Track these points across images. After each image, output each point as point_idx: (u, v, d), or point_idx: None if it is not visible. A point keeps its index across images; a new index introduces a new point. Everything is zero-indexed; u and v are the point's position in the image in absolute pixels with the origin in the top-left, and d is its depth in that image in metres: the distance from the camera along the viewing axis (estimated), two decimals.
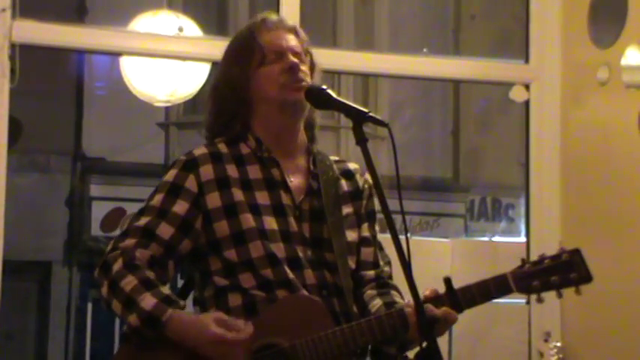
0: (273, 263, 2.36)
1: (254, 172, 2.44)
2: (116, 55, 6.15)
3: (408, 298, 2.19)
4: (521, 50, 4.38)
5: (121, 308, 2.30)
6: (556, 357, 3.96)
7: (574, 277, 2.31)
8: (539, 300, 2.32)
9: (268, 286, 2.35)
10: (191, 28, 6.69)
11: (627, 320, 3.80)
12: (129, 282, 2.30)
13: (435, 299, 2.28)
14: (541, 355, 4.06)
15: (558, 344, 3.99)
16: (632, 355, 3.76)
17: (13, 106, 3.65)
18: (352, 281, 2.45)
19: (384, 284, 2.50)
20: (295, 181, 2.46)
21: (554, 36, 4.25)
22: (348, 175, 2.55)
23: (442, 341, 2.25)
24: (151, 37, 4.79)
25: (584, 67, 4.10)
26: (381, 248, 2.55)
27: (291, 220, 2.41)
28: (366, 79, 12.56)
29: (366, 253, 2.52)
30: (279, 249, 2.37)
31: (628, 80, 3.83)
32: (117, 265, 2.33)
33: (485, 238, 10.99)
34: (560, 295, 2.32)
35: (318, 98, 2.39)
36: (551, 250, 3.90)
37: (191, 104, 10.90)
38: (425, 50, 11.53)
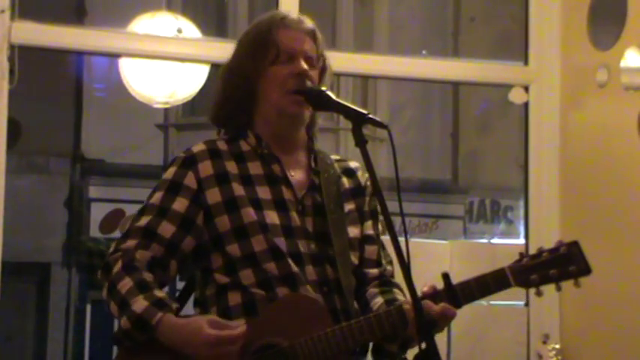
0: (277, 257, 2.36)
1: (255, 168, 2.44)
2: (115, 56, 6.14)
3: (408, 298, 2.19)
4: (521, 52, 4.38)
5: (117, 310, 2.30)
6: (555, 359, 3.96)
7: (573, 270, 2.30)
8: (539, 293, 2.31)
9: (268, 283, 2.35)
10: (190, 29, 6.68)
11: (626, 322, 3.80)
12: (125, 284, 2.30)
13: (434, 295, 2.28)
14: (540, 357, 4.06)
15: (557, 346, 3.99)
16: (631, 356, 3.76)
17: (12, 108, 3.65)
18: (354, 278, 2.45)
19: (386, 282, 2.50)
20: (296, 176, 2.46)
21: (553, 38, 4.25)
22: (350, 172, 2.56)
23: (441, 342, 2.26)
24: (150, 38, 4.79)
25: (583, 69, 4.10)
26: (384, 247, 2.55)
27: (294, 215, 2.41)
28: (365, 80, 12.58)
29: (370, 251, 2.52)
30: (280, 243, 2.37)
31: (627, 82, 3.83)
32: (116, 267, 2.34)
33: (484, 240, 11.01)
34: (559, 289, 2.31)
35: (318, 100, 2.39)
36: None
37: (190, 106, 10.91)
38: (424, 52, 11.57)
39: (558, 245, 2.32)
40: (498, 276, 2.31)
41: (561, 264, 2.30)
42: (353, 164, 2.58)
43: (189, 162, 2.43)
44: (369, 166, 2.23)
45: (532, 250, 4.22)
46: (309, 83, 2.42)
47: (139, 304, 2.26)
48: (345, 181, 2.53)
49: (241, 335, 2.23)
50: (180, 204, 2.39)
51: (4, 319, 11.32)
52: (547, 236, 4.16)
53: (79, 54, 9.57)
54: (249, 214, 2.37)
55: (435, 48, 12.79)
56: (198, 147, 2.46)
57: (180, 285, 2.60)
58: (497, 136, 12.92)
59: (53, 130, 12.18)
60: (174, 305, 2.31)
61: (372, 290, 2.47)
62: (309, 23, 2.53)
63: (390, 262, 2.55)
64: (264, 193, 2.41)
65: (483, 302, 3.67)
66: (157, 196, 2.42)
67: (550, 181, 4.22)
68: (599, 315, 3.89)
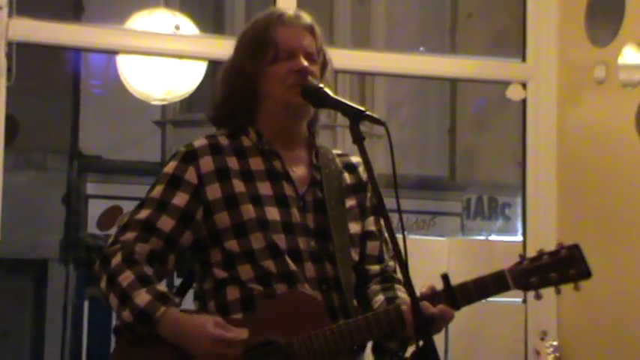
0: (275, 254, 2.35)
1: (256, 163, 2.44)
2: (113, 53, 6.14)
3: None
4: (518, 49, 4.38)
5: (117, 303, 2.30)
6: (552, 356, 3.96)
7: (573, 273, 2.29)
8: (538, 297, 2.30)
9: (267, 279, 2.35)
10: (188, 26, 6.68)
11: (624, 319, 3.81)
12: (126, 277, 2.30)
13: (432, 296, 2.27)
14: (537, 353, 4.06)
15: (555, 343, 3.99)
16: (629, 353, 3.77)
17: (9, 104, 3.65)
18: (355, 275, 2.45)
19: (388, 278, 2.50)
20: (297, 172, 2.46)
21: (551, 34, 4.25)
22: (351, 168, 2.55)
23: (439, 339, 2.25)
24: (148, 35, 4.78)
25: (581, 66, 4.10)
26: (387, 242, 2.54)
27: (294, 211, 2.41)
28: (362, 77, 12.58)
29: (372, 247, 2.51)
30: (280, 240, 2.37)
31: (625, 79, 3.83)
32: (116, 260, 2.33)
33: (482, 237, 11.01)
34: (558, 292, 2.30)
35: (315, 97, 2.39)
36: (548, 249, 3.90)
37: (187, 102, 10.90)
38: (421, 49, 11.57)
39: (559, 248, 2.31)
40: (498, 278, 2.29)
41: (561, 267, 2.29)
42: (354, 159, 2.57)
43: (191, 157, 2.43)
44: (366, 162, 2.23)
45: (529, 247, 4.25)
46: (310, 79, 2.42)
47: (142, 297, 2.26)
48: (346, 176, 2.52)
49: (244, 342, 2.23)
50: (180, 199, 2.39)
51: (1, 315, 11.32)
52: (545, 233, 4.17)
53: (77, 51, 9.56)
54: (249, 211, 2.37)
55: (433, 45, 12.80)
56: (200, 142, 2.46)
57: (177, 281, 2.61)
58: (494, 133, 12.93)
59: (51, 127, 12.17)
60: (177, 299, 2.31)
61: (374, 287, 2.47)
62: (306, 18, 2.53)
63: (393, 258, 2.55)
64: (265, 189, 2.41)
65: None
66: (157, 190, 2.41)
67: (548, 177, 4.22)
68: (596, 311, 3.89)
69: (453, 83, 12.81)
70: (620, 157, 3.87)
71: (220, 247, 2.38)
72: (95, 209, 12.47)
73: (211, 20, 12.74)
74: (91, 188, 12.68)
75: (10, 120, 3.71)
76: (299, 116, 2.47)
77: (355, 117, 2.24)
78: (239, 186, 2.40)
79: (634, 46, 3.79)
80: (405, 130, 12.97)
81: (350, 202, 2.49)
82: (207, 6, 13.16)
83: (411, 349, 2.27)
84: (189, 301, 2.47)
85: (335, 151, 2.57)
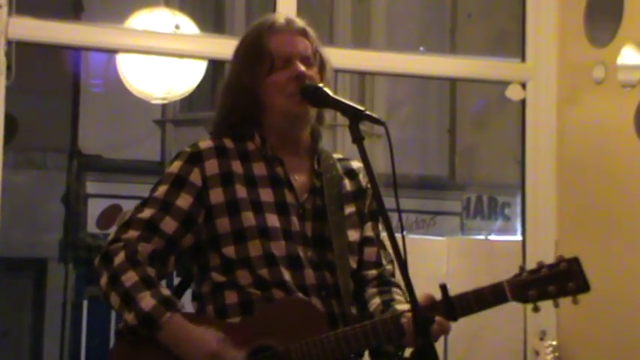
0: (270, 263, 2.36)
1: (259, 169, 2.44)
2: (113, 52, 6.13)
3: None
4: (518, 49, 4.39)
5: (119, 303, 2.30)
6: (552, 355, 3.96)
7: (572, 287, 2.28)
8: (536, 309, 2.30)
9: (264, 284, 2.35)
10: (188, 25, 6.69)
11: (622, 319, 3.81)
12: (130, 277, 2.30)
13: (430, 307, 2.26)
14: (537, 353, 4.06)
15: (554, 343, 4.00)
16: (628, 353, 3.77)
17: (9, 103, 3.65)
18: (353, 282, 2.45)
19: (385, 282, 2.51)
20: (299, 179, 2.47)
21: (550, 35, 4.25)
22: (352, 174, 2.56)
23: (438, 340, 2.25)
24: (148, 34, 4.78)
25: (580, 66, 4.11)
26: (384, 247, 2.55)
27: (294, 219, 2.42)
28: (362, 77, 12.57)
29: (369, 252, 2.52)
30: (279, 247, 2.37)
31: (624, 79, 3.83)
32: (118, 259, 2.33)
33: (482, 237, 10.98)
34: (556, 305, 2.31)
35: (315, 96, 2.39)
36: (547, 248, 3.92)
37: (188, 101, 10.90)
38: (421, 49, 11.56)
39: (558, 261, 2.30)
40: (496, 290, 2.30)
41: (560, 280, 2.29)
42: (355, 164, 2.58)
43: (196, 158, 2.43)
44: (366, 162, 2.23)
45: (529, 246, 4.25)
46: (308, 83, 2.42)
47: (147, 301, 2.27)
48: (346, 182, 2.53)
49: None
50: (184, 200, 2.39)
51: (0, 314, 11.31)
52: (544, 233, 4.17)
53: (77, 50, 9.54)
54: (249, 218, 2.38)
55: (433, 45, 12.79)
56: (206, 143, 2.46)
57: (176, 280, 2.61)
58: (494, 133, 12.92)
59: (50, 126, 12.16)
60: (180, 304, 2.32)
61: (371, 291, 2.48)
62: (298, 23, 2.53)
63: (391, 262, 2.55)
64: (266, 195, 2.42)
65: None
66: (162, 190, 2.42)
67: (547, 177, 4.22)
68: (595, 311, 3.89)
69: (453, 83, 12.81)
70: (619, 157, 3.87)
71: (218, 252, 2.39)
72: (95, 208, 12.45)
73: (211, 19, 12.73)
74: (90, 187, 12.66)
75: (9, 119, 3.72)
76: (300, 124, 2.47)
77: (355, 117, 2.25)
78: (241, 191, 2.40)
79: (633, 47, 3.79)
80: (404, 130, 12.96)
81: (349, 209, 2.50)
82: (207, 5, 13.15)
83: (409, 350, 2.27)
84: (186, 300, 2.48)
85: (336, 156, 2.57)
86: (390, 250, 2.19)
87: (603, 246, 3.91)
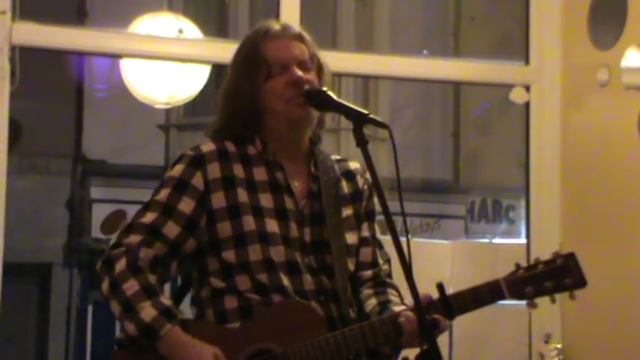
0: (269, 268, 2.36)
1: (259, 173, 2.44)
2: (116, 57, 6.15)
3: (409, 299, 2.19)
4: (521, 52, 4.38)
5: (120, 311, 2.31)
6: (557, 358, 3.96)
7: (568, 282, 2.29)
8: (533, 305, 2.30)
9: (264, 289, 2.36)
10: (191, 30, 6.68)
11: (627, 321, 3.80)
12: (130, 286, 2.30)
13: (428, 306, 2.26)
14: (542, 356, 4.06)
15: (559, 346, 3.99)
16: (632, 356, 3.76)
17: (13, 109, 3.65)
18: (350, 284, 2.45)
19: (381, 283, 2.50)
20: (298, 185, 2.47)
21: (554, 37, 4.25)
22: (349, 176, 2.55)
23: (443, 343, 2.25)
24: (151, 39, 4.79)
25: (584, 69, 4.10)
26: (381, 246, 2.55)
27: (292, 225, 2.42)
28: (366, 80, 12.57)
29: (365, 253, 2.52)
30: (279, 252, 2.38)
31: (628, 82, 3.83)
32: (120, 265, 2.33)
33: (486, 240, 10.99)
34: (553, 301, 2.31)
35: (319, 100, 2.39)
36: (552, 251, 3.90)
37: (191, 106, 10.88)
38: (425, 52, 11.56)
39: (555, 257, 2.31)
40: (493, 288, 2.30)
41: (557, 276, 2.29)
42: (353, 165, 2.58)
43: (198, 162, 2.43)
44: (370, 166, 2.23)
45: (533, 249, 4.25)
46: (307, 87, 2.42)
47: (147, 311, 2.27)
48: (344, 184, 2.53)
49: None
50: (186, 204, 2.39)
51: (5, 319, 11.26)
52: (548, 235, 4.17)
53: (80, 55, 9.55)
54: (250, 222, 2.38)
55: (436, 48, 12.79)
56: (208, 147, 2.46)
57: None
58: (498, 136, 12.92)
59: (54, 131, 12.17)
60: (180, 315, 2.31)
61: (367, 291, 2.48)
62: (293, 28, 2.54)
63: (388, 261, 2.55)
64: (266, 201, 2.41)
65: None
66: (164, 193, 2.41)
67: (551, 180, 4.22)
68: (600, 314, 3.89)
69: (457, 86, 12.80)
70: (623, 160, 3.87)
71: (218, 257, 2.39)
72: (99, 213, 12.46)
73: (215, 24, 12.74)
74: (94, 192, 12.67)
75: (13, 124, 3.72)
76: (302, 128, 2.47)
77: (359, 120, 2.24)
78: (242, 196, 2.40)
79: (637, 49, 3.79)
80: (408, 133, 12.96)
81: (347, 212, 2.50)
82: (210, 9, 13.16)
83: (414, 352, 2.27)
84: (186, 306, 2.48)
85: (334, 157, 2.57)
86: (391, 252, 2.18)
87: (607, 248, 3.90)
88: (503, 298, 2.30)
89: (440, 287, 2.20)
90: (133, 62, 6.46)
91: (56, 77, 11.31)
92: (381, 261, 2.54)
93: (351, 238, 2.48)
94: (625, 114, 3.82)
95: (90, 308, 11.91)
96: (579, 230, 4.10)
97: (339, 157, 2.58)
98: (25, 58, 3.69)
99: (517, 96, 4.32)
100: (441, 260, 4.92)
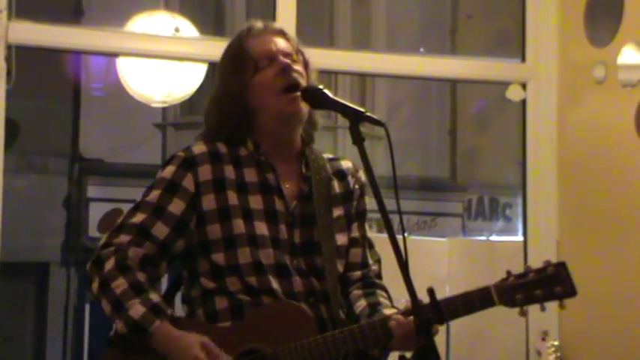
0: (258, 271, 2.37)
1: (250, 175, 2.44)
2: (113, 55, 6.14)
3: (406, 297, 2.19)
4: (518, 49, 4.38)
5: (110, 309, 2.32)
6: (554, 355, 3.96)
7: (558, 291, 2.29)
8: (522, 313, 2.31)
9: (254, 291, 2.36)
10: (188, 28, 6.68)
11: (624, 319, 3.81)
12: (119, 284, 2.31)
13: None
14: (539, 353, 4.06)
15: (556, 343, 4.00)
16: (630, 353, 3.77)
17: (9, 108, 3.65)
18: (340, 285, 2.46)
19: (370, 284, 2.51)
20: (290, 187, 2.46)
21: (550, 35, 4.25)
22: (341, 175, 2.55)
23: (440, 340, 2.26)
24: (148, 37, 4.79)
25: (580, 66, 4.11)
26: (371, 246, 2.56)
27: (282, 227, 2.42)
28: (363, 78, 12.57)
29: (354, 254, 2.52)
30: (268, 255, 2.38)
31: (624, 79, 3.83)
32: (109, 264, 2.34)
33: (483, 238, 10.99)
34: (543, 309, 2.32)
35: (315, 98, 2.39)
36: (549, 249, 3.92)
37: (188, 105, 10.90)
38: (422, 50, 11.56)
39: (545, 265, 2.31)
40: (484, 294, 2.30)
41: (547, 285, 2.29)
42: (345, 165, 2.57)
43: (189, 163, 2.42)
44: (366, 164, 2.22)
45: (530, 247, 4.25)
46: (295, 75, 2.42)
47: (136, 309, 2.27)
48: (335, 184, 2.52)
49: None
50: (176, 206, 2.39)
51: (3, 319, 11.31)
52: (545, 233, 4.17)
53: (77, 53, 9.55)
54: (239, 225, 2.38)
55: (433, 46, 12.79)
56: (199, 148, 2.45)
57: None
58: (495, 134, 12.93)
59: (51, 130, 12.17)
60: (169, 311, 2.32)
61: (356, 292, 2.48)
62: (275, 25, 2.55)
63: (378, 261, 2.56)
64: (256, 202, 2.41)
65: None
66: (154, 195, 2.41)
67: (548, 177, 4.22)
68: (597, 311, 3.89)
69: (453, 84, 12.81)
70: (620, 157, 3.87)
71: (208, 258, 2.39)
72: (96, 212, 12.46)
73: (211, 22, 12.74)
74: (91, 191, 12.68)
75: (10, 123, 3.72)
76: (293, 124, 2.47)
77: (355, 118, 2.24)
78: (233, 198, 2.40)
79: (633, 46, 3.79)
80: (405, 131, 12.97)
81: (337, 212, 2.49)
82: (207, 8, 13.16)
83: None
84: (177, 304, 2.48)
85: (326, 156, 2.56)
86: (387, 251, 2.18)
87: (604, 246, 3.91)
88: (493, 304, 2.30)
89: (430, 292, 2.18)
90: (130, 61, 6.46)
91: (53, 76, 11.30)
92: (370, 261, 2.54)
93: (341, 239, 2.48)
94: (622, 111, 3.82)
95: (87, 307, 11.90)
96: (576, 228, 4.10)
97: (331, 156, 2.58)
98: (22, 56, 3.69)
99: (514, 93, 4.32)
100: (438, 258, 4.92)
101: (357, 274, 2.51)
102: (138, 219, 2.40)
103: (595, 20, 4.02)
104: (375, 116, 2.25)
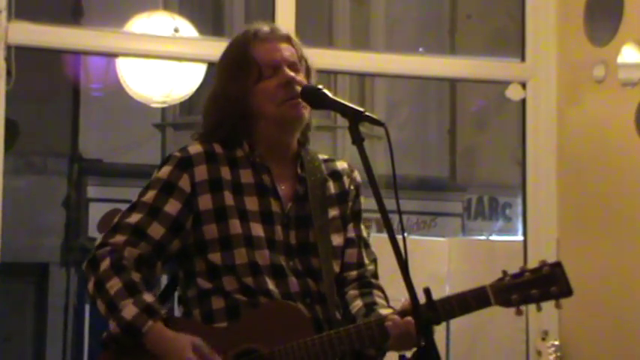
0: (255, 272, 2.37)
1: (246, 176, 2.44)
2: (112, 56, 6.15)
3: (405, 295, 2.19)
4: (517, 49, 4.38)
5: (105, 309, 2.32)
6: (554, 355, 3.96)
7: (554, 291, 2.29)
8: (519, 313, 2.32)
9: (250, 292, 2.36)
10: (187, 28, 6.68)
11: (624, 318, 3.81)
12: (114, 284, 2.31)
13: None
14: (539, 353, 4.06)
15: (556, 342, 3.99)
16: (630, 352, 3.77)
17: (9, 108, 3.65)
18: (336, 285, 2.46)
19: (366, 284, 2.50)
20: (285, 188, 2.46)
21: (550, 34, 4.25)
22: (336, 176, 2.54)
23: (440, 340, 2.25)
24: (147, 38, 4.79)
25: (580, 65, 4.10)
26: (367, 246, 2.55)
27: (278, 229, 2.42)
28: (362, 78, 12.57)
29: (350, 254, 2.52)
30: (263, 256, 2.38)
31: (624, 78, 3.83)
32: (104, 264, 2.34)
33: (483, 237, 10.99)
34: (539, 309, 2.32)
35: (314, 98, 2.38)
36: (549, 248, 3.92)
37: (187, 105, 10.89)
38: (421, 49, 11.56)
39: (541, 265, 2.32)
40: (479, 294, 2.30)
41: (543, 284, 2.29)
42: (340, 165, 2.57)
43: (185, 164, 2.42)
44: (366, 164, 2.22)
45: (530, 247, 4.25)
46: (298, 88, 2.41)
47: (129, 310, 2.27)
48: (330, 185, 2.52)
49: None
50: (172, 206, 2.39)
51: (2, 319, 11.31)
52: (545, 233, 4.17)
53: (76, 54, 9.55)
54: (235, 226, 2.38)
55: (432, 45, 12.78)
56: (195, 148, 2.45)
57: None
58: (494, 133, 12.93)
59: (51, 131, 12.17)
60: (163, 311, 2.32)
61: (352, 292, 2.48)
62: (282, 30, 2.53)
63: (374, 261, 2.55)
64: (251, 204, 2.41)
65: None
66: (150, 195, 2.42)
67: (548, 177, 4.22)
68: (597, 311, 3.89)
69: (453, 84, 12.81)
70: (620, 156, 3.87)
71: (204, 258, 2.39)
72: (96, 212, 12.45)
73: (210, 22, 12.73)
74: (91, 191, 12.67)
75: (10, 124, 3.72)
76: (293, 130, 2.47)
77: (355, 118, 2.24)
78: (229, 199, 2.40)
79: (633, 45, 3.79)
80: (404, 131, 12.97)
81: (333, 213, 2.49)
82: (206, 8, 13.16)
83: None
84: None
85: (322, 156, 2.56)
86: (387, 250, 2.18)
87: (604, 245, 3.90)
88: (489, 304, 2.30)
89: (427, 292, 2.18)
90: (129, 61, 6.46)
91: (52, 76, 11.31)
92: (366, 261, 2.54)
93: (336, 239, 2.48)
94: (621, 110, 3.82)
95: (87, 307, 11.90)
96: (576, 227, 4.10)
97: (326, 157, 2.57)
98: (21, 57, 3.69)
99: (513, 93, 4.32)
100: (438, 258, 4.93)
101: (353, 274, 2.51)
102: (134, 219, 2.39)
103: (595, 19, 4.02)
104: (374, 116, 2.25)
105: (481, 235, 12.58)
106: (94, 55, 8.98)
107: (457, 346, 4.86)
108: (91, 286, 2.35)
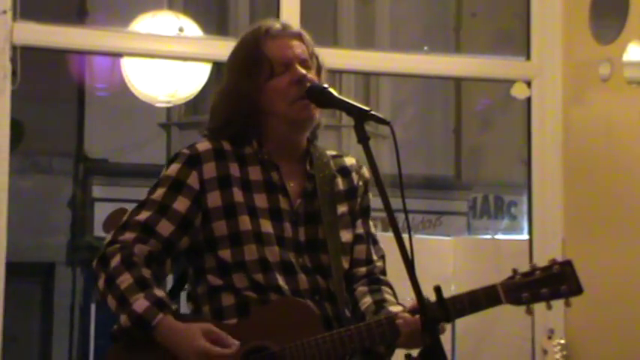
0: (265, 268, 2.37)
1: (255, 173, 2.44)
2: (117, 56, 6.15)
3: (411, 296, 2.19)
4: (523, 47, 4.38)
5: (115, 305, 2.32)
6: (560, 354, 3.96)
7: (564, 290, 2.30)
8: (529, 312, 2.32)
9: (260, 288, 2.36)
10: (191, 28, 6.69)
11: (631, 317, 3.80)
12: (125, 280, 2.31)
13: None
14: (545, 352, 4.06)
15: (562, 341, 3.99)
16: (636, 351, 3.76)
17: (14, 108, 3.65)
18: (345, 282, 2.46)
19: (375, 280, 2.51)
20: (294, 185, 2.46)
21: (555, 32, 4.25)
22: (345, 172, 2.55)
23: (446, 339, 2.25)
24: (152, 37, 4.79)
25: (585, 64, 4.10)
26: (375, 242, 2.56)
27: (287, 226, 2.42)
28: (367, 77, 12.57)
29: (359, 250, 2.52)
30: (273, 253, 2.38)
31: (630, 76, 3.83)
32: (115, 261, 2.34)
33: (488, 236, 10.98)
34: (549, 307, 2.32)
35: (320, 97, 2.39)
36: (554, 247, 3.92)
37: (192, 104, 10.89)
38: (426, 48, 11.56)
39: (551, 264, 2.32)
40: (490, 293, 2.31)
41: (553, 283, 2.30)
42: (349, 161, 2.57)
43: (194, 161, 2.42)
44: (371, 163, 2.22)
45: (536, 245, 4.24)
46: (308, 84, 2.41)
47: (140, 303, 2.27)
48: (339, 181, 2.52)
49: (232, 355, 2.24)
50: (181, 204, 2.39)
51: (8, 318, 11.31)
52: (551, 231, 4.16)
53: (81, 54, 9.55)
54: (245, 222, 2.38)
55: (437, 44, 12.78)
56: (204, 145, 2.45)
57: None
58: (499, 132, 12.92)
59: (56, 131, 12.18)
60: (174, 306, 2.32)
61: (361, 289, 2.48)
62: (293, 27, 2.53)
63: (382, 257, 2.56)
64: (261, 201, 2.42)
65: None
66: (159, 192, 2.42)
67: (553, 176, 4.22)
68: (603, 309, 3.88)
69: (458, 82, 12.81)
70: (626, 154, 3.87)
71: (214, 255, 2.40)
72: (101, 212, 12.46)
73: (215, 22, 12.74)
74: (97, 191, 12.69)
75: (15, 124, 3.72)
76: (303, 130, 2.47)
77: (360, 117, 2.23)
78: (238, 195, 2.40)
79: (638, 43, 3.79)
80: (410, 130, 12.96)
81: (342, 209, 2.49)
82: (210, 8, 13.16)
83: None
84: (182, 302, 2.48)
85: (330, 153, 2.56)
86: (393, 249, 2.18)
87: (610, 244, 3.90)
88: (500, 303, 2.31)
89: (437, 290, 2.18)
90: (134, 61, 6.46)
91: (57, 77, 11.32)
92: (375, 257, 2.54)
93: (345, 236, 2.48)
94: (627, 108, 3.82)
95: (93, 306, 11.92)
96: (582, 226, 4.10)
97: (334, 153, 2.57)
98: (26, 57, 3.69)
99: (518, 91, 4.32)
100: (444, 257, 4.93)
101: (362, 270, 2.51)
102: (143, 217, 2.40)
103: (600, 17, 4.02)
104: (379, 115, 2.25)
105: (486, 233, 12.57)
106: (98, 55, 8.98)
107: (463, 344, 4.86)
108: (101, 282, 2.35)
